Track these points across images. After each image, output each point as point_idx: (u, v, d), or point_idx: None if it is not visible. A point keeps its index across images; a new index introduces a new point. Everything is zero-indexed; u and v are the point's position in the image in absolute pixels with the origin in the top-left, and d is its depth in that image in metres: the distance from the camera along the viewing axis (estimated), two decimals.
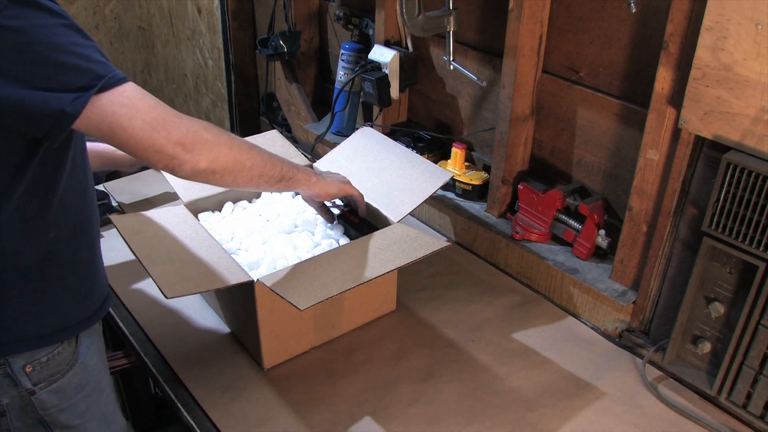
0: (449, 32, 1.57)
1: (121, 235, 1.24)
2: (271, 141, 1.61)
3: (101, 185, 1.70)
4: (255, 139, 1.55)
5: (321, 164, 1.58)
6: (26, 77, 0.85)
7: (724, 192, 1.10)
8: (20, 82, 0.85)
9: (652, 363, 1.34)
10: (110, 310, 1.43)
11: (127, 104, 0.91)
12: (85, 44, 0.90)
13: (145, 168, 1.75)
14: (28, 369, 1.03)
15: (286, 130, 2.27)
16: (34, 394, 1.05)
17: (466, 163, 1.74)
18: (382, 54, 1.75)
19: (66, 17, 0.89)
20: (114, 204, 1.66)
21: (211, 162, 1.01)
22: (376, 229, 1.34)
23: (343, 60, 1.93)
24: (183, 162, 0.98)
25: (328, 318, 1.36)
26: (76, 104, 0.88)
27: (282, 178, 1.18)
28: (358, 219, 1.39)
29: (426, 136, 1.83)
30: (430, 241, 1.26)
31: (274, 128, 1.96)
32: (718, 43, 1.06)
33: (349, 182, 1.36)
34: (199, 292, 1.15)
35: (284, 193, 1.60)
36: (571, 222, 1.52)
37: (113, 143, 0.94)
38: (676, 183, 1.23)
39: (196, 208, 1.46)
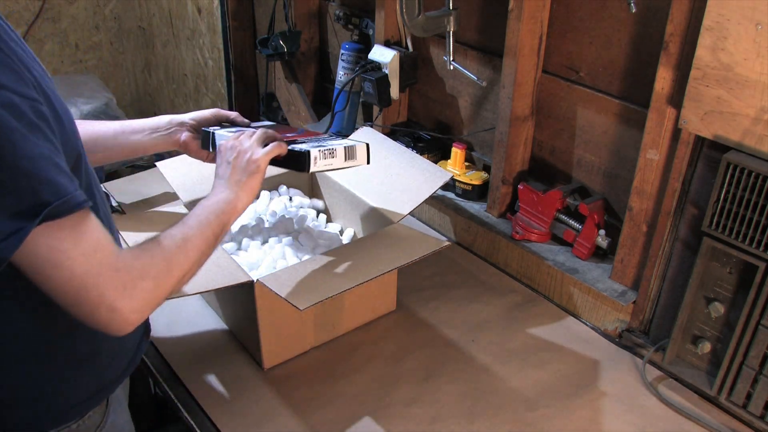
0: (449, 32, 1.57)
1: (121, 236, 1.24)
2: None
3: (101, 185, 1.70)
4: None
5: None
6: None
7: (724, 192, 1.10)
8: None
9: (652, 363, 1.34)
10: None
11: (57, 248, 0.74)
12: (34, 154, 0.72)
13: (143, 168, 1.74)
14: None
15: None
16: None
17: (466, 163, 1.74)
18: (382, 54, 1.75)
19: (21, 102, 0.71)
20: (114, 204, 1.66)
21: (154, 307, 0.87)
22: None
23: (343, 60, 1.93)
24: (119, 329, 0.82)
25: (328, 318, 1.36)
26: (5, 246, 0.72)
27: (219, 236, 1.00)
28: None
29: (426, 136, 1.83)
30: (430, 241, 1.26)
31: None
32: (718, 43, 1.06)
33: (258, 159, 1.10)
34: (199, 293, 1.14)
35: (284, 195, 1.60)
36: (571, 222, 1.52)
37: (39, 287, 0.78)
38: (676, 183, 1.23)
39: None
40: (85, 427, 1.00)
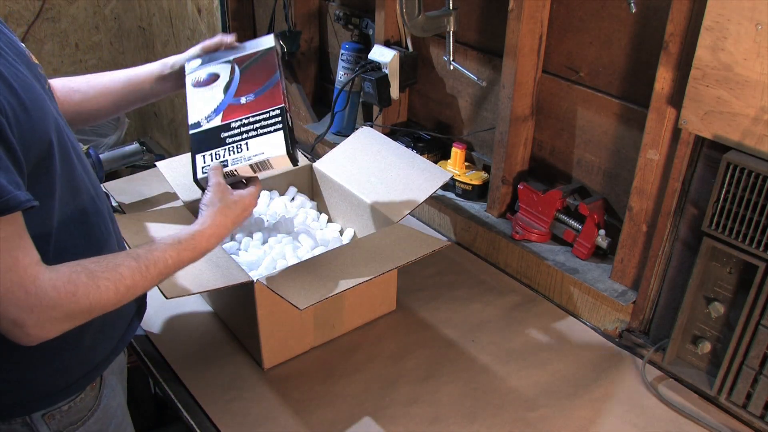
0: (449, 32, 1.57)
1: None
2: None
3: (101, 185, 1.70)
4: None
5: (321, 164, 1.58)
6: None
7: (724, 192, 1.10)
8: None
9: (652, 363, 1.34)
10: None
11: None
12: None
13: (143, 168, 1.74)
14: (48, 418, 0.98)
15: None
16: None
17: (466, 163, 1.74)
18: (382, 54, 1.75)
19: None
20: (114, 204, 1.66)
21: (66, 330, 0.86)
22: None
23: (343, 60, 1.93)
24: (23, 342, 0.82)
25: (328, 318, 1.36)
26: None
27: (175, 266, 0.97)
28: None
29: (426, 136, 1.83)
30: (430, 241, 1.26)
31: None
32: (718, 43, 1.06)
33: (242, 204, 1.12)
34: (199, 292, 1.14)
35: (283, 195, 1.60)
36: (571, 222, 1.52)
37: None
38: (676, 183, 1.23)
39: (195, 208, 1.45)
40: (76, 410, 1.01)
